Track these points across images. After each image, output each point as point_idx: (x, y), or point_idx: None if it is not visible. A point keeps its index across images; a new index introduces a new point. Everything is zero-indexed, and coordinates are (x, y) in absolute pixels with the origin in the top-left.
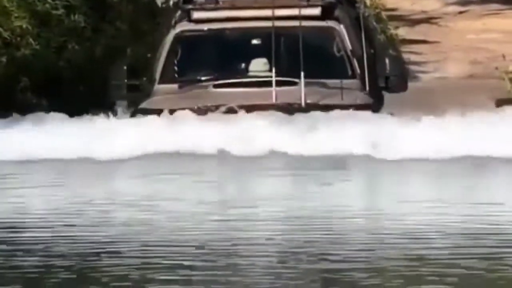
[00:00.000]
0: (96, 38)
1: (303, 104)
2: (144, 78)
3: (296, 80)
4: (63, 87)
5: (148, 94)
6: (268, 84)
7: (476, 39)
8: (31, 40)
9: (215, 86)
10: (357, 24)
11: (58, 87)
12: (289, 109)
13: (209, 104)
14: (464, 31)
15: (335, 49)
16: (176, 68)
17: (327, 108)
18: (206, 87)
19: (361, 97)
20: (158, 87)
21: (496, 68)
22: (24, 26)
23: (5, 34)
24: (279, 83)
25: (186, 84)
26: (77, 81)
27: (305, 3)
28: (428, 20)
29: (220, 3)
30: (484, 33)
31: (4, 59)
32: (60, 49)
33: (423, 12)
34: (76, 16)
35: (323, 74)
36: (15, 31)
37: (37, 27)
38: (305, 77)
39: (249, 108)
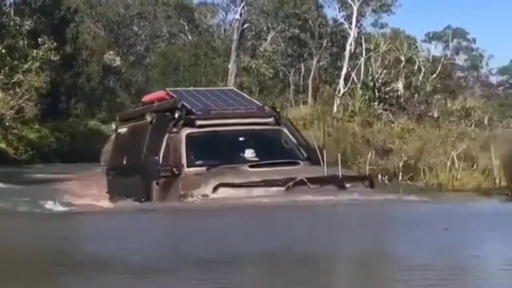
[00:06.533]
0: None
1: (340, 175)
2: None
3: (299, 161)
4: None
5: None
6: (278, 164)
7: None
8: None
9: (251, 166)
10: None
11: None
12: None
13: (258, 179)
14: None
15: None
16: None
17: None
18: (241, 167)
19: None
20: (188, 170)
21: None
22: None
23: None
24: (282, 164)
25: (214, 166)
26: None
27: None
28: None
29: (212, 114)
30: None
31: None
32: None
33: None
34: None
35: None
36: None
37: None
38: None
39: (312, 181)
